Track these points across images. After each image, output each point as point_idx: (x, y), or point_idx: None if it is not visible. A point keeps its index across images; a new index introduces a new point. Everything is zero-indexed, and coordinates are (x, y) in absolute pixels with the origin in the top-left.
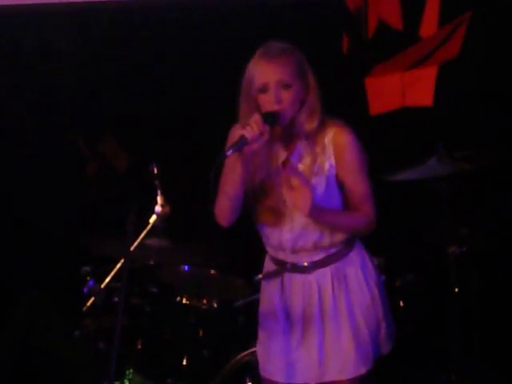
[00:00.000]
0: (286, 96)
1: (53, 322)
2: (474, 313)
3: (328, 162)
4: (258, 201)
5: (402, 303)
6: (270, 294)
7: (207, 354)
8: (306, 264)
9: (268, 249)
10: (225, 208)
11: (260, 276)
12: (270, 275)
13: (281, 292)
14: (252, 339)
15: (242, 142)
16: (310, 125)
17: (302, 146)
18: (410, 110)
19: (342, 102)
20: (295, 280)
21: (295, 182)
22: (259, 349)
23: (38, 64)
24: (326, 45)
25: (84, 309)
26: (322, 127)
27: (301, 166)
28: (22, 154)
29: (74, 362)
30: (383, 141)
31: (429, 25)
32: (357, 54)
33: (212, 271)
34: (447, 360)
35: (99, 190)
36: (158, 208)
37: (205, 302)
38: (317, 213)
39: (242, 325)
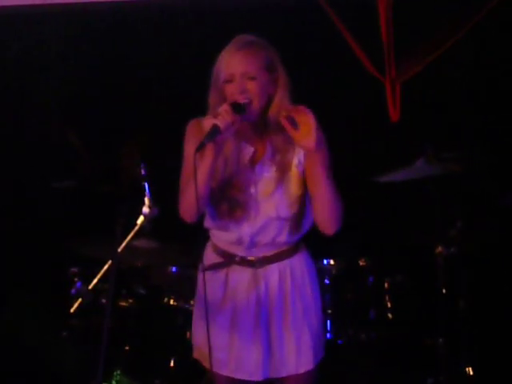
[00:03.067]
0: (251, 87)
1: (40, 323)
2: (462, 314)
3: (297, 158)
4: (223, 195)
5: (389, 304)
6: (212, 287)
7: None
8: (256, 258)
9: (215, 241)
10: (192, 202)
11: (203, 267)
12: (216, 267)
13: (225, 285)
14: None
15: (216, 130)
16: (278, 118)
17: (270, 142)
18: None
19: (331, 103)
20: (242, 273)
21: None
22: (200, 340)
23: (30, 65)
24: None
25: (71, 310)
26: None
27: (270, 163)
28: (8, 155)
29: (62, 363)
30: (371, 142)
31: None
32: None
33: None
34: (435, 361)
35: (90, 186)
36: (145, 209)
37: (192, 303)
38: (320, 148)
39: None
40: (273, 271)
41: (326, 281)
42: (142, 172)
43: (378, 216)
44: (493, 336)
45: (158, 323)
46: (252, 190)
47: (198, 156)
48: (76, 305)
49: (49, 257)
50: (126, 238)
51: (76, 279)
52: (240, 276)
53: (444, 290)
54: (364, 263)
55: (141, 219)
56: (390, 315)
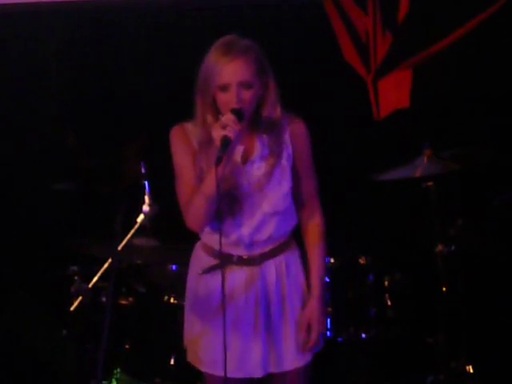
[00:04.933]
0: (247, 96)
1: (40, 322)
2: (462, 312)
3: (286, 152)
4: (221, 196)
5: (389, 302)
6: (207, 288)
7: None
8: (252, 256)
9: (210, 243)
10: (202, 211)
11: (201, 271)
12: (213, 269)
13: (222, 286)
14: None
15: (227, 142)
16: (274, 115)
17: (260, 139)
18: (397, 109)
19: (329, 102)
20: (239, 273)
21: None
22: (194, 342)
23: (28, 62)
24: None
25: (71, 308)
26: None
27: (260, 160)
28: (6, 154)
29: (62, 361)
30: (371, 140)
31: None
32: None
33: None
34: (435, 360)
35: (89, 184)
36: (145, 207)
37: None
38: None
39: None
40: (270, 267)
41: (326, 279)
42: (142, 170)
43: (378, 214)
44: (493, 334)
45: (157, 321)
46: (246, 188)
47: (207, 168)
48: (76, 303)
49: (48, 255)
50: (125, 236)
51: (76, 277)
52: (238, 275)
53: (444, 289)
54: (364, 261)
55: (141, 217)
56: (389, 313)
